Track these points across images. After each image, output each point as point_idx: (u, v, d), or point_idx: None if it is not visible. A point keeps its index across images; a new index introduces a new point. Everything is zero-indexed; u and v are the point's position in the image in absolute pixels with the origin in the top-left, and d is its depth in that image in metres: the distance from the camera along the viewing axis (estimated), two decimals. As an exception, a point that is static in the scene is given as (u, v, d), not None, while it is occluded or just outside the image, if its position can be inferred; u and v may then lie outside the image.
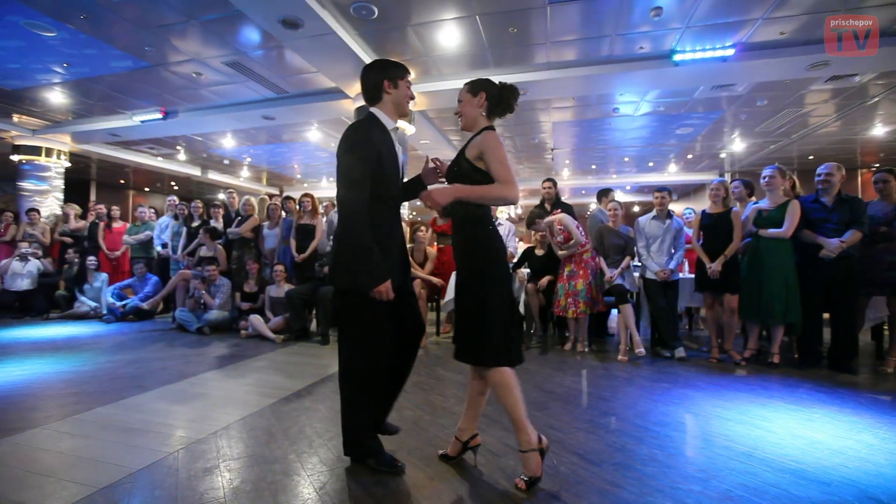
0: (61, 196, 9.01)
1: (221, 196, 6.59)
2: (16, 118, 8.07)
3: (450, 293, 4.69)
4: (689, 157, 11.16)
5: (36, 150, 8.62)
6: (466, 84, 1.95)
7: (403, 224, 4.89)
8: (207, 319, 5.09)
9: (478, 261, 1.86)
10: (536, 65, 5.92)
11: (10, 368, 3.52)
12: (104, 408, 2.64)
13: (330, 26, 4.65)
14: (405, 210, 6.98)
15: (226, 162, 12.01)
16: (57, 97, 7.15)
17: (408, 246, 5.15)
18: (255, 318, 4.85)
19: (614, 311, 4.81)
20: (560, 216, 4.36)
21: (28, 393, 2.94)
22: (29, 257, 6.51)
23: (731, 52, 5.22)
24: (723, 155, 10.83)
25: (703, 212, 4.14)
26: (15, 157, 8.59)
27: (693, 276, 4.37)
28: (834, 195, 3.67)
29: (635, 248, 4.35)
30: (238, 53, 5.60)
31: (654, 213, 4.28)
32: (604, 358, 4.11)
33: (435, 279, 4.76)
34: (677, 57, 5.40)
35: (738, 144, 9.82)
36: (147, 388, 3.04)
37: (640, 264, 4.42)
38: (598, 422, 2.50)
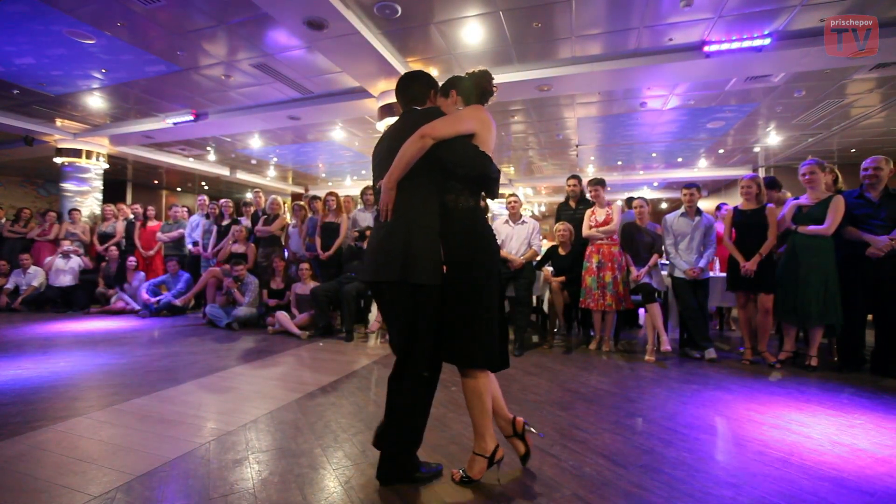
0: (101, 196, 9.44)
1: (248, 195, 6.79)
2: (59, 122, 8.49)
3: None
4: (721, 151, 10.78)
5: (77, 153, 9.05)
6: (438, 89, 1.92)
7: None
8: (236, 315, 5.24)
9: (460, 253, 1.70)
10: (561, 60, 5.83)
11: (56, 360, 3.71)
12: (140, 399, 2.76)
13: (354, 26, 4.69)
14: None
15: (253, 162, 12.31)
16: (96, 102, 7.48)
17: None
18: (282, 315, 4.96)
19: (641, 311, 4.72)
20: (618, 204, 4.38)
21: (71, 384, 3.09)
22: (71, 255, 6.86)
23: (767, 41, 5.00)
24: (757, 149, 10.42)
25: (736, 208, 3.99)
26: (58, 160, 9.04)
27: (724, 274, 4.23)
28: (881, 190, 3.47)
29: (663, 247, 4.25)
30: (265, 55, 5.73)
31: (682, 209, 4.16)
32: (630, 358, 4.02)
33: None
34: (708, 48, 5.21)
35: (773, 138, 9.43)
36: (180, 380, 3.16)
37: (667, 262, 4.32)
38: (624, 423, 2.45)
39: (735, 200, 4.39)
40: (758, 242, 3.72)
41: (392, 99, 6.33)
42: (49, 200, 12.95)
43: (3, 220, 7.72)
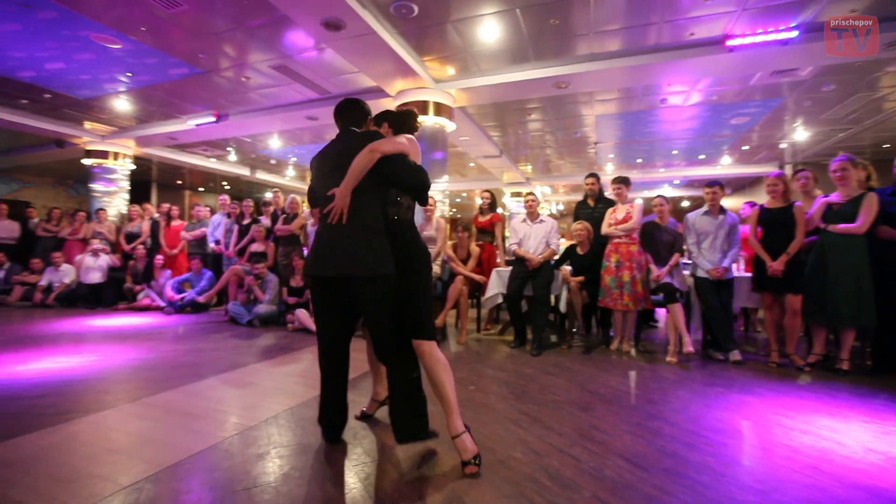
0: (127, 196, 9.73)
1: (268, 195, 6.93)
2: (87, 125, 8.77)
3: (491, 290, 4.67)
4: (745, 148, 10.50)
5: (104, 155, 9.34)
6: (373, 118, 2.29)
7: (442, 220, 4.88)
8: (257, 313, 5.34)
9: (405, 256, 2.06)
10: (578, 57, 5.75)
11: (87, 354, 3.84)
12: (167, 393, 2.83)
13: (370, 26, 4.72)
14: (445, 207, 7.01)
15: (272, 162, 12.51)
16: (122, 104, 7.70)
17: (449, 242, 5.18)
18: (301, 313, 5.03)
19: (660, 310, 4.63)
20: (639, 202, 4.32)
21: (101, 377, 3.19)
22: (99, 253, 7.10)
23: (794, 33, 4.84)
24: (783, 145, 10.11)
25: (762, 207, 3.88)
26: (87, 161, 9.35)
27: (749, 274, 4.12)
28: (915, 187, 3.34)
29: (685, 246, 4.16)
30: (283, 57, 5.81)
31: (705, 208, 4.06)
32: (651, 359, 3.95)
33: (477, 276, 4.75)
34: (732, 42, 5.08)
35: (800, 133, 9.13)
36: (204, 375, 3.23)
37: (689, 262, 4.23)
38: (645, 425, 2.41)
39: (760, 198, 4.27)
40: (785, 241, 3.61)
41: (409, 98, 6.36)
42: (79, 201, 13.39)
43: (37, 220, 8.03)
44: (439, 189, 6.62)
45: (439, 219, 5.07)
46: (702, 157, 11.53)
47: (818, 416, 2.56)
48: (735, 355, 3.76)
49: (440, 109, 6.49)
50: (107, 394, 2.83)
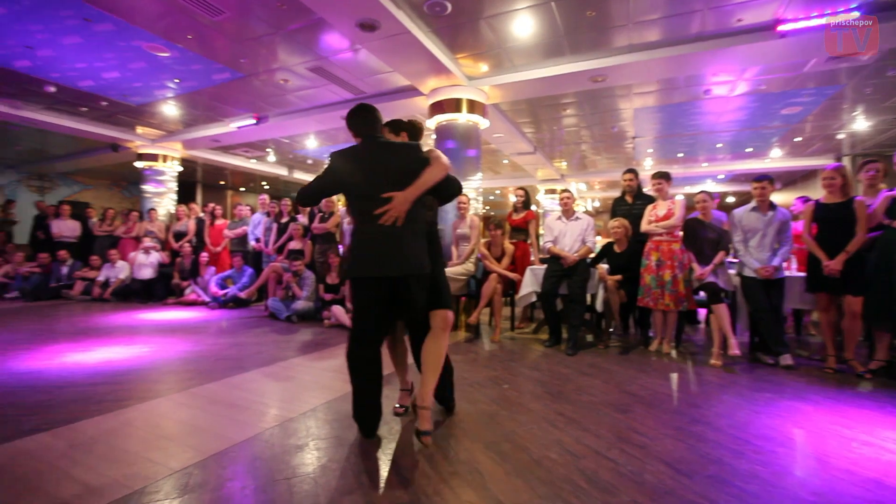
0: (175, 197, 10.25)
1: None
2: (139, 129, 9.29)
3: (525, 288, 4.61)
4: (797, 140, 9.88)
5: (154, 157, 9.87)
6: (385, 125, 2.42)
7: (476, 218, 4.90)
8: (295, 309, 5.51)
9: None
10: (616, 49, 5.58)
11: (139, 346, 4.08)
12: (212, 384, 2.97)
13: (405, 26, 4.75)
14: (478, 204, 6.98)
15: (309, 161, 12.85)
16: (170, 109, 8.11)
17: (482, 240, 5.15)
18: (337, 309, 5.15)
19: (703, 311, 4.43)
20: (680, 198, 4.17)
21: (153, 367, 3.39)
22: (151, 250, 7.53)
23: (854, 14, 4.51)
24: (841, 136, 9.44)
25: (817, 202, 3.64)
26: (139, 164, 9.92)
27: (802, 274, 3.88)
28: None
29: (730, 244, 3.96)
30: (319, 59, 5.94)
31: (753, 203, 3.85)
32: (693, 361, 3.79)
33: (511, 274, 4.71)
34: (783, 27, 4.77)
35: (860, 123, 8.49)
36: (246, 368, 3.36)
37: (735, 261, 4.02)
38: (688, 429, 2.32)
39: (813, 193, 4.01)
40: (842, 239, 3.37)
41: (442, 96, 6.36)
42: (132, 201, 14.24)
43: (95, 220, 8.61)
44: (472, 187, 6.59)
45: (473, 216, 5.05)
46: (749, 149, 10.94)
47: (882, 427, 2.38)
48: (786, 359, 3.54)
49: (473, 107, 6.46)
50: (157, 383, 3.00)
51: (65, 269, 7.70)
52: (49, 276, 7.64)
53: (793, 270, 4.36)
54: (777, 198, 3.94)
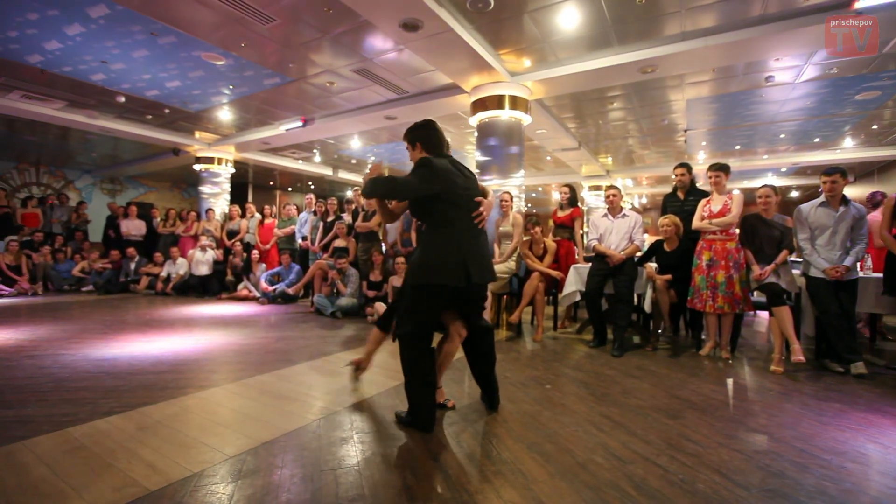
0: (229, 197, 10.84)
1: (349, 193, 7.42)
2: (197, 134, 9.90)
3: (568, 287, 4.51)
4: (874, 127, 9.02)
5: (210, 160, 10.48)
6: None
7: (518, 216, 4.88)
8: (340, 305, 5.67)
9: None
10: (668, 37, 5.31)
11: (197, 337, 4.35)
12: (262, 376, 3.11)
13: (447, 24, 4.75)
14: (521, 202, 6.89)
15: (353, 161, 13.17)
16: (225, 114, 8.58)
17: (524, 238, 5.09)
18: (380, 305, 5.25)
19: (763, 314, 4.15)
20: (738, 193, 3.87)
21: (209, 358, 3.60)
22: (207, 248, 8.00)
23: (943, -12, 4.05)
24: (925, 123, 8.54)
25: (898, 195, 3.31)
26: (197, 167, 10.56)
27: (879, 275, 3.54)
28: None
29: (794, 242, 3.68)
30: (364, 60, 6.07)
31: (821, 198, 3.55)
32: (751, 367, 3.56)
33: (553, 272, 4.62)
34: (860, 3, 4.36)
35: (949, 108, 7.64)
36: (294, 361, 3.50)
37: (799, 260, 3.73)
38: (744, 439, 2.18)
39: (889, 187, 3.64)
40: (929, 236, 3.05)
41: (485, 93, 6.32)
42: (190, 202, 15.20)
43: (158, 219, 9.27)
44: (515, 184, 6.51)
45: (516, 214, 5.00)
46: (816, 140, 10.11)
47: (975, 445, 2.13)
48: (858, 367, 3.25)
49: (516, 103, 6.37)
50: (213, 373, 3.18)
51: (132, 266, 8.35)
52: (119, 271, 8.31)
53: (868, 271, 3.99)
54: (847, 192, 3.60)
